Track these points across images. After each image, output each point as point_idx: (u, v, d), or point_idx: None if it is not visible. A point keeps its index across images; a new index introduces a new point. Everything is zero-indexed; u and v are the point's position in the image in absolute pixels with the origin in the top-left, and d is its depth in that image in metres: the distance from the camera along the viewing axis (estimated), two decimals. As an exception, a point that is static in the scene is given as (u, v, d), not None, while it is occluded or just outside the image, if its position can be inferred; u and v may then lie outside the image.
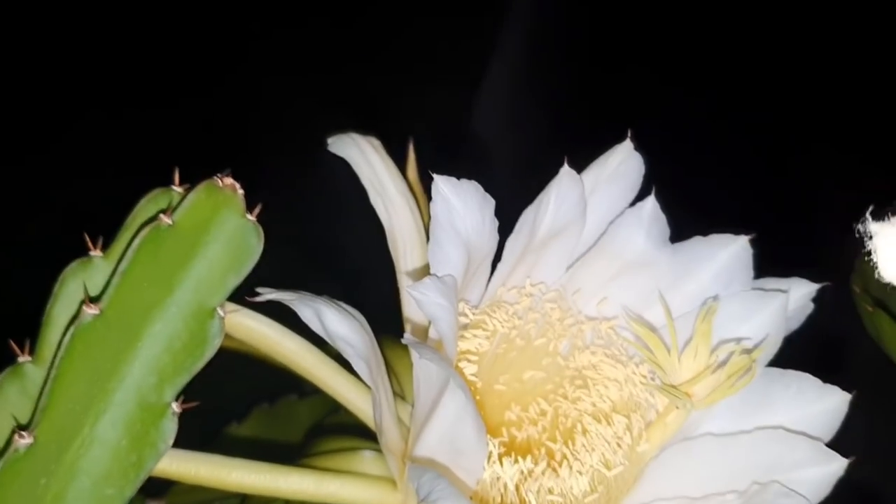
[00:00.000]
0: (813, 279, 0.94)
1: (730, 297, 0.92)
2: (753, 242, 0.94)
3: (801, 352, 0.94)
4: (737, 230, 0.94)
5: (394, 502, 0.90)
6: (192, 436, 0.79)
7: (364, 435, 0.96)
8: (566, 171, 0.86)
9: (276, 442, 1.26)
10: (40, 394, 0.71)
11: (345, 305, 0.82)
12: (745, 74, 1.72)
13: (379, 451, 0.91)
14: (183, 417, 0.75)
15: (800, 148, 1.65)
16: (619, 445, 0.88)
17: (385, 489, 0.90)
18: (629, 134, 0.91)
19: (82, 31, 1.68)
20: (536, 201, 0.86)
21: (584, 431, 0.89)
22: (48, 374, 0.71)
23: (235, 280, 0.74)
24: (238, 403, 1.24)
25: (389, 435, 0.87)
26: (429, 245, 0.82)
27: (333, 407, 1.03)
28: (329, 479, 0.90)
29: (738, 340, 0.88)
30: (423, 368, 0.82)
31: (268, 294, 0.78)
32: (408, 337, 0.78)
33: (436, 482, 0.74)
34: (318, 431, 1.16)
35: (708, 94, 1.69)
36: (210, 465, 0.85)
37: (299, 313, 0.78)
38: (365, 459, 0.94)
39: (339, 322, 0.78)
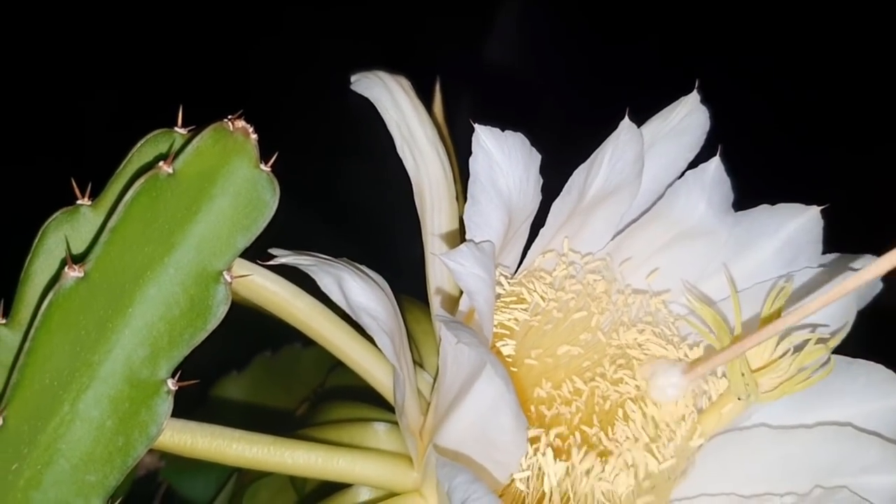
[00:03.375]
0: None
1: (795, 274, 0.82)
2: (824, 214, 0.84)
3: (865, 336, 0.85)
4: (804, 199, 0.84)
5: (409, 481, 0.82)
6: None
7: (372, 400, 0.88)
8: (626, 124, 0.76)
9: (277, 396, 1.18)
10: (13, 365, 0.61)
11: (367, 270, 0.73)
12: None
13: (393, 422, 0.84)
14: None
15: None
16: (669, 438, 0.78)
17: (400, 467, 0.82)
18: (696, 84, 0.80)
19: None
20: (590, 159, 0.76)
21: (627, 418, 0.80)
22: (23, 343, 0.60)
23: (245, 240, 0.64)
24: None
25: (411, 415, 0.78)
26: (466, 206, 0.72)
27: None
28: (339, 455, 0.82)
29: (814, 327, 0.78)
30: (452, 345, 0.72)
31: (282, 257, 0.67)
32: (440, 314, 0.68)
33: (471, 487, 0.64)
34: (321, 395, 1.08)
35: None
36: (208, 437, 0.77)
37: (318, 281, 0.69)
38: (378, 433, 0.86)
39: (363, 292, 0.69)
